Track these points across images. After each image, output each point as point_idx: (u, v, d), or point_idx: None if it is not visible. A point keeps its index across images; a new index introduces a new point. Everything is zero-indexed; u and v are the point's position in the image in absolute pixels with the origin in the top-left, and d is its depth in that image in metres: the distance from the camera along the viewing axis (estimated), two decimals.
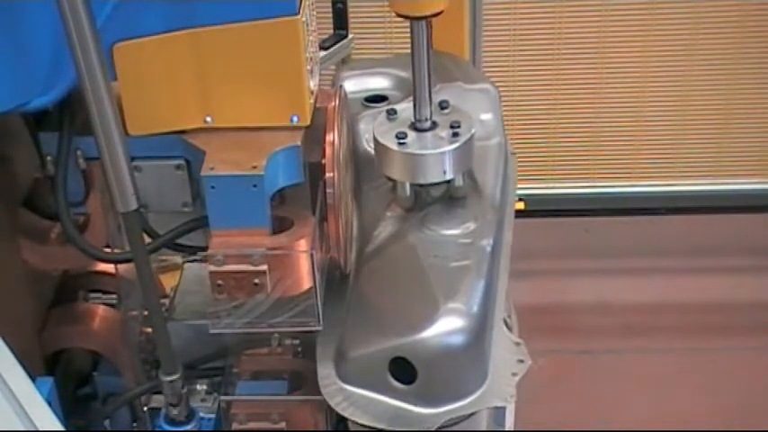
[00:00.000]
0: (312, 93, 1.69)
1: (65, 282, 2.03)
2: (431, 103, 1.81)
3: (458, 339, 1.68)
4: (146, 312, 1.84)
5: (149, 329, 1.87)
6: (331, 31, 2.88)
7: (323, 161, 1.72)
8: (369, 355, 1.69)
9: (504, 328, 1.83)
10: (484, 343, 1.73)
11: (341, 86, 1.86)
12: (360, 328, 1.72)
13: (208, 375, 1.94)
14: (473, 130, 1.80)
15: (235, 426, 1.85)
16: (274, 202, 1.67)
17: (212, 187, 1.61)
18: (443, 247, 1.79)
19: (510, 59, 3.56)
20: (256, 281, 1.63)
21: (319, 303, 1.69)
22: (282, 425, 1.84)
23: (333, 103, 1.76)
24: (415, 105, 1.81)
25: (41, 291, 1.98)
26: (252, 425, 1.85)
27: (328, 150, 1.72)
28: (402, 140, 1.78)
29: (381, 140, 1.79)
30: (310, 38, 1.69)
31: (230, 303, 1.67)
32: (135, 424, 2.02)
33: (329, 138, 1.72)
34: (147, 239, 1.70)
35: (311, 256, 1.65)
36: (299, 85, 1.65)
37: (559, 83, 3.67)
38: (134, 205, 1.56)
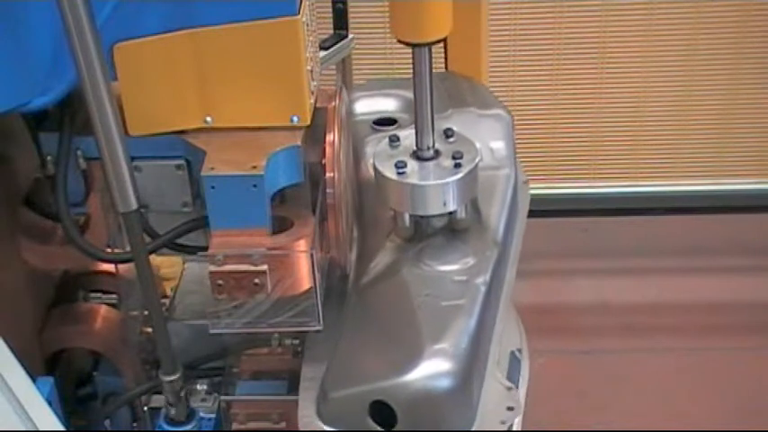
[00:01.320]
0: (312, 93, 1.69)
1: (65, 282, 2.03)
2: (433, 132, 1.77)
3: (442, 383, 1.60)
4: (146, 312, 1.84)
5: (149, 329, 1.87)
6: (331, 31, 2.88)
7: (323, 161, 1.72)
8: (349, 396, 1.62)
9: (498, 373, 1.76)
10: (471, 387, 1.66)
11: (342, 88, 1.86)
12: (343, 366, 1.66)
13: (208, 375, 1.94)
14: (477, 161, 1.76)
15: (235, 426, 1.85)
16: (274, 202, 1.67)
17: (212, 187, 1.61)
18: (437, 284, 1.73)
19: (510, 59, 3.56)
20: (256, 281, 1.63)
21: (319, 303, 1.69)
22: (282, 425, 1.84)
23: (333, 103, 1.76)
24: (417, 134, 1.77)
25: (41, 291, 1.98)
26: (252, 425, 1.85)
27: (328, 150, 1.72)
28: (401, 170, 1.74)
29: (381, 169, 1.76)
30: (310, 38, 1.69)
31: (230, 303, 1.67)
32: (135, 424, 2.02)
33: (329, 138, 1.72)
34: (148, 239, 1.70)
35: (311, 256, 1.65)
36: (299, 85, 1.65)
37: (559, 83, 3.66)
38: (134, 205, 1.56)
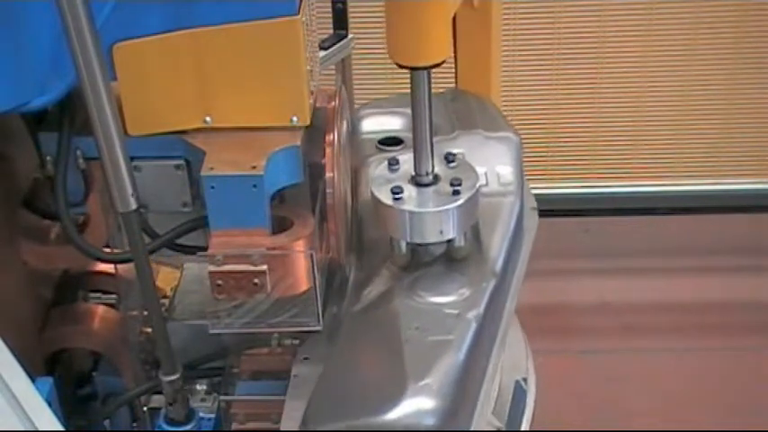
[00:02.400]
0: (312, 93, 1.69)
1: (65, 282, 2.03)
2: (432, 157, 1.71)
3: (426, 421, 1.53)
4: (146, 312, 1.84)
5: (149, 329, 1.87)
6: (331, 31, 2.87)
7: (323, 161, 1.72)
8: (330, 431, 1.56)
9: (488, 412, 1.72)
10: (457, 427, 1.59)
11: (342, 87, 1.86)
12: (326, 398, 1.60)
13: (208, 375, 1.94)
14: (476, 188, 1.70)
15: (235, 426, 1.85)
16: (274, 202, 1.67)
17: (212, 187, 1.61)
18: (427, 317, 1.66)
19: (510, 59, 3.56)
20: (256, 281, 1.63)
21: (319, 303, 1.69)
22: None
23: (333, 103, 1.76)
24: (415, 159, 1.71)
25: (41, 291, 1.97)
26: (252, 425, 1.85)
27: (328, 150, 1.72)
28: (398, 196, 1.68)
29: (377, 194, 1.70)
30: (310, 38, 1.68)
31: (230, 303, 1.67)
32: (135, 424, 2.02)
33: (329, 138, 1.72)
34: (147, 239, 1.70)
35: (311, 256, 1.65)
36: (298, 85, 1.65)
37: (559, 83, 3.67)
38: (133, 205, 1.56)
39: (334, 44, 2.82)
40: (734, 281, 3.67)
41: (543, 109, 3.70)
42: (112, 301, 2.01)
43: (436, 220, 1.68)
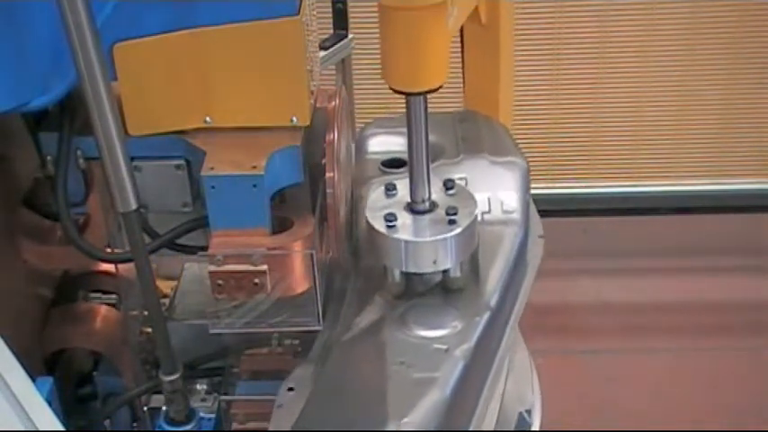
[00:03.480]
0: (312, 93, 1.69)
1: (65, 282, 2.03)
2: (429, 184, 1.65)
3: None
4: (146, 312, 1.84)
5: (149, 329, 1.87)
6: (331, 31, 2.88)
7: (323, 161, 1.72)
8: None
9: None
10: None
11: (342, 87, 1.85)
12: None
13: (208, 375, 1.94)
14: (473, 218, 1.64)
15: (235, 426, 1.85)
16: (274, 202, 1.67)
17: (212, 187, 1.61)
18: (414, 351, 1.59)
19: None
20: (256, 281, 1.63)
21: (319, 303, 1.69)
22: None
23: (333, 103, 1.76)
24: (411, 186, 1.65)
25: (41, 291, 1.97)
26: (252, 425, 1.85)
27: (328, 150, 1.72)
28: (391, 223, 1.62)
29: (371, 221, 1.64)
30: (310, 38, 1.68)
31: (230, 303, 1.67)
32: (135, 424, 2.02)
33: (329, 138, 1.72)
34: (148, 239, 1.70)
35: (311, 256, 1.65)
36: (299, 85, 1.65)
37: (559, 83, 3.67)
38: (134, 205, 1.56)
39: (335, 44, 2.82)
40: (734, 281, 3.68)
41: (543, 109, 3.70)
42: (113, 301, 2.01)
43: (430, 250, 1.62)
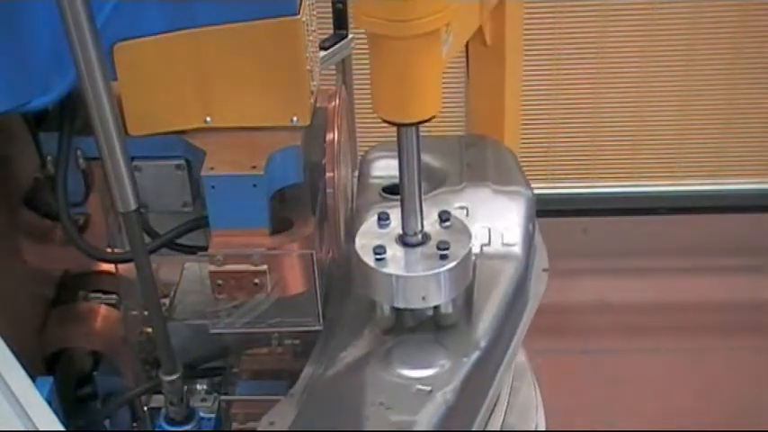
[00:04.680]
0: (312, 93, 1.69)
1: (65, 282, 2.03)
2: (421, 216, 1.57)
3: None
4: (146, 312, 1.84)
5: (149, 329, 1.87)
6: (331, 31, 2.88)
7: (323, 161, 1.72)
8: None
9: None
10: None
11: (342, 87, 1.85)
12: None
13: (208, 375, 1.94)
14: (467, 253, 1.57)
15: (235, 426, 1.85)
16: (274, 202, 1.67)
17: (212, 187, 1.62)
18: (395, 392, 1.53)
19: None
20: (256, 281, 1.63)
21: (319, 303, 1.69)
22: None
23: (333, 103, 1.76)
24: (402, 217, 1.57)
25: (42, 291, 1.98)
26: (252, 425, 1.84)
27: (328, 150, 1.72)
28: (380, 256, 1.55)
29: (360, 253, 1.57)
30: (310, 38, 1.68)
31: (230, 303, 1.67)
32: (135, 424, 2.02)
33: (329, 138, 1.72)
34: (148, 239, 1.70)
35: (311, 256, 1.65)
36: (299, 85, 1.65)
37: (560, 83, 3.67)
38: (134, 205, 1.56)
39: (335, 44, 2.82)
40: (734, 281, 3.68)
41: (543, 109, 3.70)
42: (113, 301, 2.01)
43: (420, 285, 1.55)
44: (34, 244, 1.89)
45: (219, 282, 1.64)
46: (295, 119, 1.66)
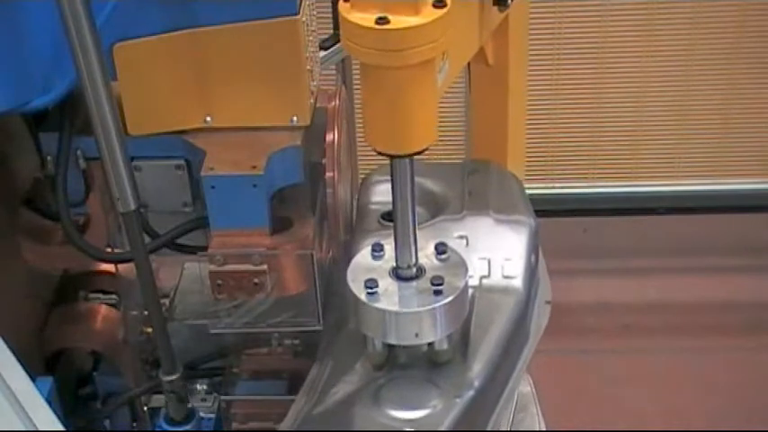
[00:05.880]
0: (312, 93, 1.69)
1: (65, 282, 2.02)
2: (416, 249, 1.51)
3: None
4: (146, 312, 1.84)
5: (149, 329, 1.87)
6: (331, 31, 2.87)
7: (323, 161, 1.72)
8: None
9: None
10: None
11: (342, 87, 1.85)
12: None
13: (208, 375, 1.94)
14: (462, 288, 1.50)
15: (235, 426, 1.85)
16: (274, 202, 1.67)
17: (212, 187, 1.61)
18: None
19: None
20: (256, 281, 1.63)
21: (319, 303, 1.69)
22: None
23: (333, 103, 1.76)
24: (396, 250, 1.51)
25: (42, 291, 1.97)
26: (252, 425, 1.85)
27: (328, 150, 1.72)
28: (371, 290, 1.49)
29: (351, 286, 1.50)
30: (310, 38, 1.68)
31: (230, 303, 1.67)
32: (135, 424, 2.02)
33: (329, 138, 1.72)
34: (148, 239, 1.70)
35: (311, 256, 1.65)
36: (299, 85, 1.65)
37: (560, 83, 3.67)
38: (134, 205, 1.56)
39: (335, 44, 2.81)
40: (734, 280, 3.68)
41: (544, 109, 3.70)
42: (113, 301, 2.01)
43: (413, 322, 1.49)
44: (34, 244, 1.89)
45: (219, 282, 1.64)
46: (295, 119, 1.66)
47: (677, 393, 3.24)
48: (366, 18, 1.30)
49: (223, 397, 1.86)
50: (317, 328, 1.71)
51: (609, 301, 3.62)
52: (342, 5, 1.32)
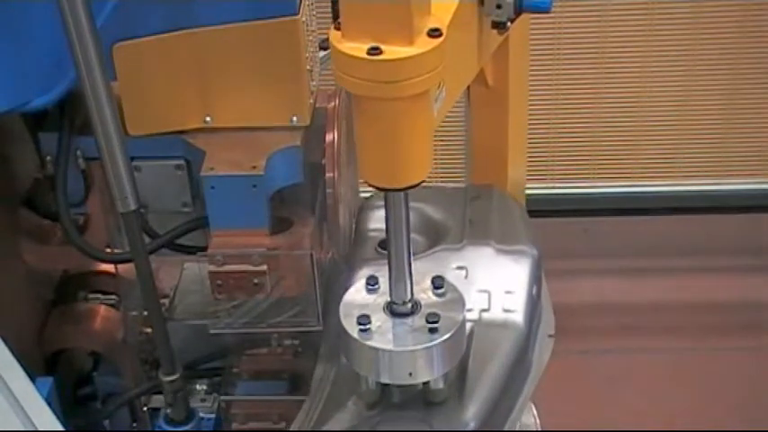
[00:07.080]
0: (312, 93, 1.69)
1: (65, 282, 2.03)
2: (411, 284, 1.44)
3: None
4: (146, 312, 1.84)
5: (149, 329, 1.87)
6: None
7: (323, 161, 1.72)
8: None
9: None
10: None
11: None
12: None
13: (208, 375, 1.94)
14: (459, 326, 1.44)
15: (235, 426, 1.85)
16: (274, 202, 1.67)
17: (212, 187, 1.62)
18: None
19: None
20: (256, 281, 1.64)
21: (319, 303, 1.69)
22: (282, 425, 1.84)
23: (333, 103, 1.76)
24: (390, 286, 1.45)
25: (41, 291, 1.98)
26: (252, 425, 1.85)
27: (328, 150, 1.72)
28: (364, 327, 1.43)
29: (343, 322, 1.45)
30: (310, 38, 1.69)
31: (230, 303, 1.67)
32: (135, 424, 2.02)
33: (329, 138, 1.72)
34: (147, 239, 1.70)
35: (311, 256, 1.65)
36: (298, 85, 1.65)
37: (559, 83, 3.66)
38: (133, 205, 1.56)
39: None
40: (734, 280, 3.67)
41: (544, 109, 3.70)
42: (113, 301, 2.01)
43: (406, 361, 1.43)
44: (34, 244, 1.89)
45: (219, 282, 1.64)
46: (295, 119, 1.66)
47: (677, 393, 3.23)
48: (358, 48, 1.24)
49: (223, 397, 1.86)
50: (317, 328, 1.71)
51: (609, 301, 3.62)
52: (332, 34, 1.26)
